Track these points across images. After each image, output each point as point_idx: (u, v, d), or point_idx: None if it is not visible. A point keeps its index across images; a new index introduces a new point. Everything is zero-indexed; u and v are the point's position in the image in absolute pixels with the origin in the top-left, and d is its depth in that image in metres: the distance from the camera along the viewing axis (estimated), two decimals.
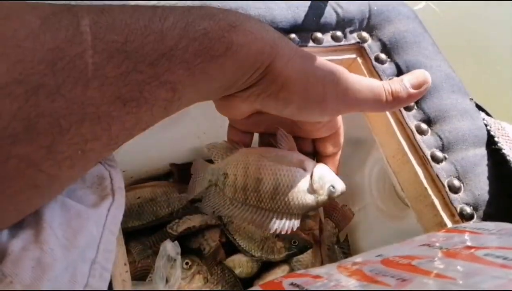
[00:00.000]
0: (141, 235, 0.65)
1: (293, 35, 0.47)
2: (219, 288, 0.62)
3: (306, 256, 0.68)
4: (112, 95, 0.24)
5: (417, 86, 0.34)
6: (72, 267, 0.27)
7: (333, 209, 0.68)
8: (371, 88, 0.33)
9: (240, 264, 0.65)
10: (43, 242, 0.26)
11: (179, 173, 0.69)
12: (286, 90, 0.31)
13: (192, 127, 0.63)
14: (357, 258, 0.29)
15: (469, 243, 0.30)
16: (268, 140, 0.40)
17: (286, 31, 0.47)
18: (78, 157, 0.24)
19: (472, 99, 0.49)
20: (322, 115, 0.34)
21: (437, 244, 0.31)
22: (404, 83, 0.33)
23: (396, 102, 0.33)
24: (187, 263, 0.61)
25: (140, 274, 0.62)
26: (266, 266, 0.67)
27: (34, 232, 0.26)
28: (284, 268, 0.65)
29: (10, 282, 0.24)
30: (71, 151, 0.24)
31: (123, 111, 0.25)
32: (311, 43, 0.48)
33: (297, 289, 0.24)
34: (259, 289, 0.25)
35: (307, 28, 0.48)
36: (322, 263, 0.67)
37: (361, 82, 0.33)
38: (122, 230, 0.51)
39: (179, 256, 0.59)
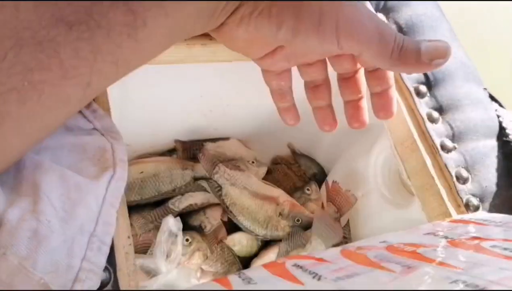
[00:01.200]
0: (143, 209, 0.65)
1: None
2: (218, 265, 0.63)
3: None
4: (51, 17, 0.22)
5: (432, 57, 0.29)
6: (70, 239, 0.26)
7: (336, 193, 0.67)
8: (381, 29, 0.29)
9: (240, 242, 0.66)
10: (40, 213, 0.25)
11: (184, 150, 0.69)
12: (277, 5, 0.28)
13: (199, 105, 0.62)
14: (361, 243, 0.29)
15: (475, 234, 0.30)
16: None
17: None
18: (27, 89, 0.22)
19: (486, 89, 0.48)
20: (320, 43, 0.29)
21: (442, 234, 0.31)
22: (420, 46, 0.29)
23: (401, 61, 0.29)
24: (187, 240, 0.62)
25: (142, 247, 0.62)
26: (264, 246, 0.67)
27: (32, 201, 0.26)
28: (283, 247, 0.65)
29: (3, 253, 0.24)
30: (15, 82, 0.22)
31: (71, 37, 0.22)
32: None
33: (300, 270, 0.24)
34: (263, 268, 0.25)
35: None
36: None
37: (372, 18, 0.29)
38: None
39: (181, 232, 0.59)
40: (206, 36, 0.41)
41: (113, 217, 0.29)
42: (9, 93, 0.22)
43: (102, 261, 0.27)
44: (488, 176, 0.42)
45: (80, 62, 0.23)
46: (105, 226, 0.28)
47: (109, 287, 0.28)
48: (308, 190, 0.72)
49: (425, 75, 0.47)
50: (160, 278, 0.55)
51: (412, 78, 0.46)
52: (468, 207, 0.40)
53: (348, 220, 0.66)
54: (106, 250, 0.28)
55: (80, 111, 0.32)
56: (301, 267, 0.25)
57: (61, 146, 0.30)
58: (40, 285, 0.24)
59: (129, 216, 0.64)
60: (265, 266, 0.26)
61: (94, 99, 0.34)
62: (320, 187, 0.74)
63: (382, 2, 0.50)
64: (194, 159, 0.68)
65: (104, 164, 0.30)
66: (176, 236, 0.58)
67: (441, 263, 0.24)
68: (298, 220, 0.63)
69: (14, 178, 0.27)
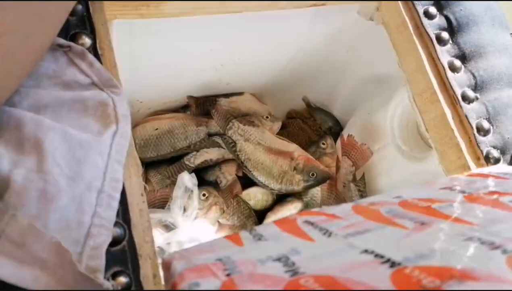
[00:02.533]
0: (160, 165, 0.66)
1: None
2: (235, 218, 0.64)
3: (321, 192, 0.68)
4: None
5: None
6: (78, 197, 0.26)
7: (351, 147, 0.67)
8: None
9: (255, 196, 0.66)
10: (46, 172, 0.25)
11: (197, 106, 0.68)
12: None
13: (210, 60, 0.60)
14: (375, 199, 0.28)
15: (493, 189, 0.29)
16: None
17: None
18: None
19: None
20: None
21: (459, 188, 0.30)
22: None
23: None
24: (204, 195, 0.63)
25: (159, 202, 0.64)
26: (279, 200, 0.68)
27: (36, 161, 0.26)
28: (297, 205, 0.66)
29: (13, 214, 0.24)
30: None
31: None
32: None
33: (311, 227, 0.24)
34: (274, 225, 0.25)
35: None
36: (336, 200, 0.68)
37: None
38: (141, 160, 0.51)
39: (196, 188, 0.60)
40: None
41: (120, 172, 0.29)
42: None
43: (112, 216, 0.28)
44: (511, 127, 0.40)
45: None
46: (112, 182, 0.28)
47: (124, 242, 0.28)
48: (323, 144, 0.72)
49: (448, 20, 0.44)
50: (178, 232, 0.57)
51: (433, 24, 0.44)
52: (488, 159, 0.39)
53: (364, 174, 0.66)
54: (115, 205, 0.28)
55: (76, 65, 0.31)
56: (312, 224, 0.24)
57: (60, 103, 0.30)
58: (52, 243, 0.24)
59: (147, 172, 0.66)
60: (276, 222, 0.26)
61: (99, 58, 0.33)
62: (335, 140, 0.73)
63: None
64: (207, 114, 0.67)
65: (106, 119, 0.30)
66: (192, 191, 0.59)
67: (456, 219, 0.23)
68: (313, 174, 0.63)
69: (16, 138, 0.27)
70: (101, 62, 0.33)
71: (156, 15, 0.39)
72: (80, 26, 0.33)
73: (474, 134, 0.40)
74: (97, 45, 0.33)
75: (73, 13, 0.32)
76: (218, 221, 0.63)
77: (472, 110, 0.41)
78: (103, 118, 0.30)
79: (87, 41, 0.33)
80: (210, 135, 0.66)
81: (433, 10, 0.44)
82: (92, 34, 0.33)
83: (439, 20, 0.44)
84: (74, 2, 0.31)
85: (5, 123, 0.28)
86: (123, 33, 0.43)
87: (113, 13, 0.37)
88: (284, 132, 0.72)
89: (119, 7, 0.37)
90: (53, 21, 0.28)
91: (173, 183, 0.62)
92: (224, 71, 0.63)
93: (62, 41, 0.31)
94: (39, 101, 0.29)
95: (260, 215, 0.67)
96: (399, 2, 0.45)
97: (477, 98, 0.41)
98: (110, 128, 0.30)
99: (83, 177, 0.27)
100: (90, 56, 0.32)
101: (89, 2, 0.34)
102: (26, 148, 0.27)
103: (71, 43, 0.31)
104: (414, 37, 0.44)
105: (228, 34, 0.53)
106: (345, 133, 0.70)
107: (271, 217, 0.65)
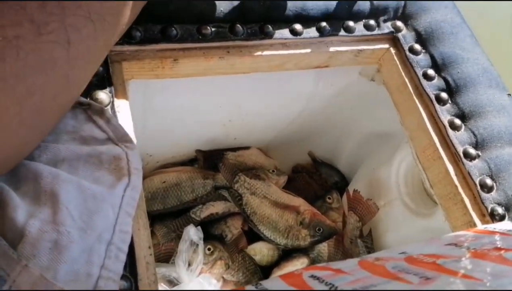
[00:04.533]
0: (165, 218, 0.67)
1: (324, 24, 0.46)
2: (240, 274, 0.63)
3: (328, 248, 0.67)
4: None
5: None
6: (88, 249, 0.27)
7: (357, 202, 0.67)
8: None
9: (261, 252, 0.66)
10: (59, 224, 0.26)
11: (204, 159, 0.70)
12: None
13: (219, 116, 0.63)
14: (380, 254, 0.28)
15: (498, 244, 0.29)
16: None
17: (316, 19, 0.46)
18: (3, 45, 0.23)
19: (510, 95, 0.47)
20: None
21: (465, 244, 0.30)
22: None
23: None
24: (209, 249, 0.62)
25: (164, 256, 0.63)
26: (285, 256, 0.67)
27: (51, 212, 0.27)
28: (303, 260, 0.65)
29: (25, 265, 0.25)
30: None
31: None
32: (342, 32, 0.47)
33: (317, 281, 0.24)
34: (279, 279, 0.25)
35: (338, 16, 0.47)
36: (343, 256, 0.67)
37: None
38: (147, 213, 0.52)
39: (202, 241, 0.60)
40: (223, 49, 0.42)
41: (129, 225, 0.30)
42: None
43: (120, 268, 0.28)
44: None
45: (49, 17, 0.24)
46: (121, 234, 0.29)
47: None
48: (329, 198, 0.72)
49: (446, 81, 0.46)
50: (182, 287, 0.55)
51: (432, 85, 0.46)
52: (493, 216, 0.39)
53: (371, 230, 0.65)
54: (123, 258, 0.29)
55: (94, 121, 0.33)
56: (318, 278, 0.25)
57: (77, 157, 0.31)
58: None
59: (152, 225, 0.66)
60: (282, 277, 0.26)
61: (115, 115, 0.35)
62: (341, 195, 0.73)
63: (400, 9, 0.50)
64: (215, 168, 0.68)
65: (119, 172, 0.31)
66: (197, 245, 0.59)
67: (461, 274, 0.23)
68: (319, 229, 0.63)
69: (33, 190, 0.28)
70: (117, 119, 0.35)
71: (170, 75, 0.42)
72: (100, 85, 0.35)
73: (478, 191, 0.40)
74: (115, 103, 0.35)
75: (95, 74, 0.35)
76: (223, 277, 0.62)
77: (475, 168, 0.41)
78: (117, 172, 0.31)
79: (105, 99, 0.35)
80: (216, 188, 0.67)
81: (431, 72, 0.46)
82: (111, 93, 0.35)
83: (438, 81, 0.46)
84: (98, 67, 0.33)
85: (24, 176, 0.29)
86: (138, 91, 0.45)
87: (130, 74, 0.40)
88: (290, 186, 0.73)
89: (137, 68, 0.40)
90: (79, 84, 0.30)
91: (178, 237, 0.62)
92: (232, 126, 0.66)
93: (82, 99, 0.33)
94: (57, 155, 0.31)
95: (265, 271, 0.66)
96: (399, 64, 0.48)
97: (478, 156, 0.42)
98: (123, 181, 0.31)
99: (94, 229, 0.28)
100: (108, 113, 0.34)
101: (109, 64, 0.37)
102: (42, 200, 0.28)
103: (91, 102, 0.34)
104: (414, 97, 0.46)
105: (236, 93, 0.56)
106: (350, 189, 0.71)
107: (277, 273, 0.63)
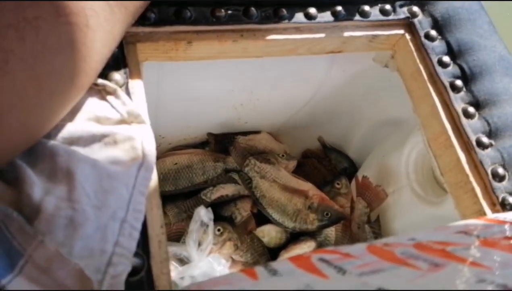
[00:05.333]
0: (177, 199, 0.68)
1: (339, 8, 0.45)
2: (248, 255, 0.64)
3: (335, 233, 0.68)
4: None
5: None
6: (103, 226, 0.28)
7: (366, 188, 0.67)
8: None
9: (269, 234, 0.67)
10: (75, 201, 0.27)
11: (216, 143, 0.70)
12: None
13: (231, 100, 0.63)
14: (389, 240, 0.29)
15: (508, 234, 0.29)
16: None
17: (332, 3, 0.45)
18: (23, 26, 0.23)
19: None
20: None
21: (475, 232, 0.30)
22: None
23: None
24: (219, 230, 0.63)
25: (175, 235, 0.64)
26: (293, 239, 0.68)
27: (67, 190, 0.28)
28: (310, 244, 0.65)
29: (41, 240, 0.25)
30: (10, 18, 0.23)
31: None
32: (357, 17, 0.46)
33: (325, 264, 0.25)
34: (288, 261, 0.26)
35: (354, 0, 0.46)
36: (350, 241, 0.67)
37: None
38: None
39: (212, 222, 0.61)
40: (237, 33, 0.42)
41: (143, 204, 0.31)
42: (7, 29, 0.23)
43: (133, 246, 0.29)
44: None
45: None
46: (135, 213, 0.30)
47: (142, 273, 0.29)
48: (338, 184, 0.72)
49: (461, 69, 0.45)
50: (192, 266, 0.57)
51: (447, 73, 0.45)
52: (504, 205, 0.39)
53: (378, 216, 0.65)
54: (137, 236, 0.29)
55: (108, 102, 0.34)
56: (326, 261, 0.25)
57: (92, 137, 0.32)
58: (75, 270, 0.25)
59: (164, 205, 0.67)
60: (291, 259, 0.26)
61: (129, 96, 0.35)
62: (350, 181, 0.74)
63: None
64: (225, 151, 0.69)
65: (133, 153, 0.32)
66: (208, 226, 0.60)
67: (469, 262, 0.23)
68: (327, 214, 0.63)
69: (49, 168, 0.29)
70: (131, 100, 0.35)
71: (184, 58, 0.42)
72: (115, 66, 0.36)
73: (489, 180, 0.40)
74: (129, 84, 0.36)
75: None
76: (232, 257, 0.63)
77: (487, 157, 0.41)
78: (131, 152, 0.32)
79: (120, 80, 0.35)
80: (227, 171, 0.67)
81: (446, 59, 0.46)
82: (125, 74, 0.36)
83: (453, 68, 0.46)
84: (115, 48, 0.34)
85: (40, 154, 0.30)
86: (152, 73, 0.46)
87: (144, 56, 0.40)
88: (299, 171, 0.73)
89: (151, 50, 0.40)
90: (96, 67, 0.31)
91: (189, 217, 0.63)
92: (243, 110, 0.66)
93: (98, 80, 0.34)
94: (72, 135, 0.31)
95: (273, 253, 0.67)
96: (414, 51, 0.47)
97: (491, 145, 0.42)
98: (137, 161, 0.31)
99: (109, 207, 0.28)
100: (122, 94, 0.34)
101: (124, 45, 0.37)
102: (58, 177, 0.29)
103: (106, 82, 0.34)
104: (428, 84, 0.45)
105: (249, 77, 0.56)
106: (360, 174, 0.71)
107: (284, 255, 0.64)
